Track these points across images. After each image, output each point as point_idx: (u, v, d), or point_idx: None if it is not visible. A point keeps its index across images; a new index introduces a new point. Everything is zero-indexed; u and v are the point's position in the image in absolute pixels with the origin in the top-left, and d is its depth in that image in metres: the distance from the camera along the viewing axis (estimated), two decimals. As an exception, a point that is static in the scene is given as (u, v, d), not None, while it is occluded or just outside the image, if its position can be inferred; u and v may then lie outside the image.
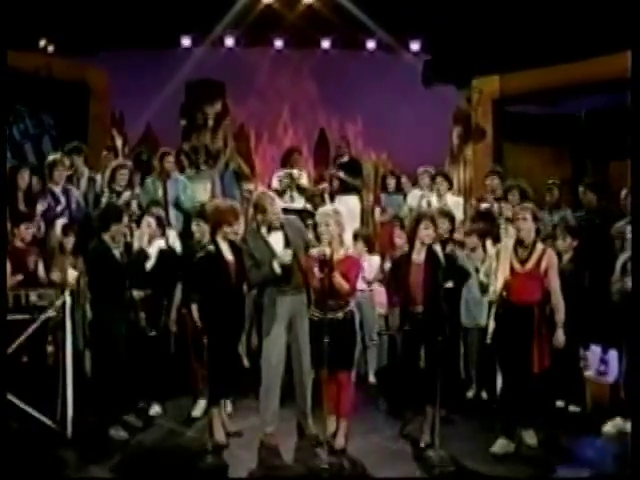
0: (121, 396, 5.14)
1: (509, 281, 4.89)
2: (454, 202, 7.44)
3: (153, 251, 5.49)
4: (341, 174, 8.27)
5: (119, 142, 8.40)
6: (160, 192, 7.19)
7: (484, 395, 6.11)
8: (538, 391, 4.91)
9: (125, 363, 5.10)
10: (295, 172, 8.20)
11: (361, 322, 6.53)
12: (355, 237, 6.66)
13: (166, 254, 5.67)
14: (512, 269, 4.92)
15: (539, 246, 4.95)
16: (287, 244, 4.99)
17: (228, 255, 5.10)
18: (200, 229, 5.76)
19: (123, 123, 10.46)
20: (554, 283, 4.92)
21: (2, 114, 5.65)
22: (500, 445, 4.95)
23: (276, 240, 5.01)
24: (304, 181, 8.26)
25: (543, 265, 4.89)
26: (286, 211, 5.97)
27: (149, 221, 5.71)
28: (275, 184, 8.10)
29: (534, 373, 4.84)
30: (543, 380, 4.91)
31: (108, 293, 5.10)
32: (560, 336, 4.91)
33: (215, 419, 5.08)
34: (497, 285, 5.04)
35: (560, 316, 4.91)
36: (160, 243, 5.69)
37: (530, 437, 4.99)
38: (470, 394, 6.24)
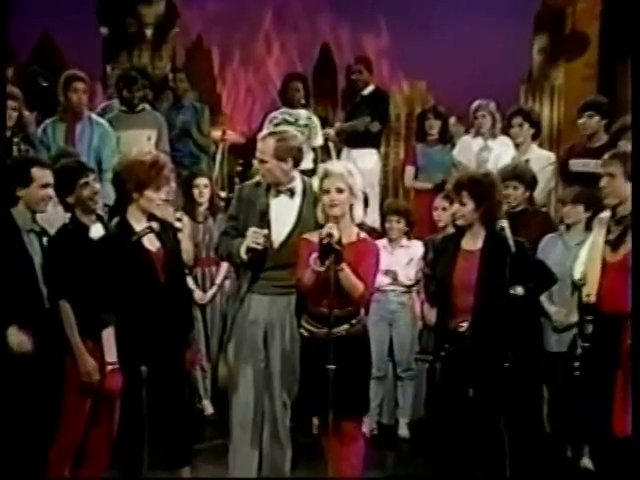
0: None
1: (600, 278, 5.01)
2: (542, 157, 7.43)
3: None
4: (355, 122, 8.47)
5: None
6: (62, 140, 7.22)
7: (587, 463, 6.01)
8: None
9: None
10: (303, 114, 8.34)
11: (391, 342, 6.77)
12: (385, 213, 6.91)
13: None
14: (604, 259, 5.01)
15: None
16: (298, 220, 5.14)
17: (150, 241, 4.97)
18: (91, 190, 5.08)
19: (4, 30, 10.25)
20: None
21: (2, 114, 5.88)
22: None
23: (281, 211, 5.14)
24: (319, 134, 8.39)
25: None
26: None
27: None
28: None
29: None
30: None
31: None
32: None
33: None
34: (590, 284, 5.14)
35: None
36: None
37: None
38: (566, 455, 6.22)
